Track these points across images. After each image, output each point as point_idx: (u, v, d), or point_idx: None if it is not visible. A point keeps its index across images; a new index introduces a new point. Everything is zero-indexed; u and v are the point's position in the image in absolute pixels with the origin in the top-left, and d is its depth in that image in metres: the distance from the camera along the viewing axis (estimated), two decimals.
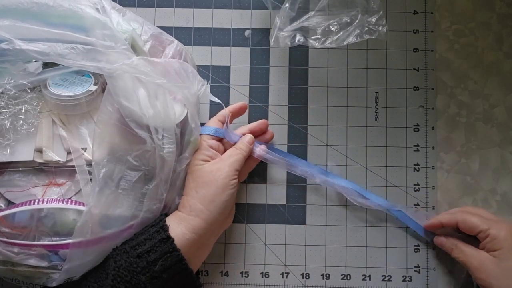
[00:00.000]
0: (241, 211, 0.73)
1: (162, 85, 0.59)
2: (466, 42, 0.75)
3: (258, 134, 0.72)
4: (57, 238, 0.56)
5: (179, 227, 0.60)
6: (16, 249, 0.55)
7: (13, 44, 0.54)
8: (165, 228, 0.59)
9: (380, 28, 0.66)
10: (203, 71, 0.75)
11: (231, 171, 0.64)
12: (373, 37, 0.66)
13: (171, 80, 0.61)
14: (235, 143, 0.68)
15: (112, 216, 0.57)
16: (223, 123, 0.69)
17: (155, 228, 0.59)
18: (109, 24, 0.58)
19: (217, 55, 0.76)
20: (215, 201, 0.62)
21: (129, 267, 0.56)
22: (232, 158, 0.65)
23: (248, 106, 0.73)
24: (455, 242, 0.66)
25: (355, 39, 0.66)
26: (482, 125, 0.74)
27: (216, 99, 0.69)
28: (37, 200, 0.56)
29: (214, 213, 0.62)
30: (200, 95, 0.65)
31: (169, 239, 0.58)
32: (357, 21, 0.66)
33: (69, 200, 0.57)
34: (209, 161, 0.66)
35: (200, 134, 0.67)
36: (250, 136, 0.69)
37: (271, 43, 0.70)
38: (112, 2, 0.63)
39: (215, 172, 0.63)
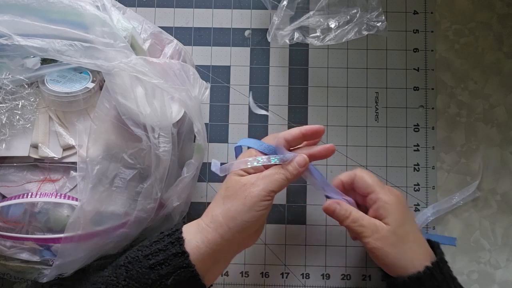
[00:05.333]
0: None
1: (158, 86, 0.58)
2: (466, 42, 0.75)
3: (314, 156, 0.63)
4: (50, 234, 0.56)
5: (195, 239, 0.55)
6: (8, 243, 0.55)
7: (12, 40, 0.54)
8: (180, 241, 0.54)
9: (379, 24, 0.66)
10: (203, 71, 0.75)
11: (265, 190, 0.56)
12: (372, 33, 0.66)
13: (169, 81, 0.60)
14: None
15: (105, 213, 0.57)
16: (286, 141, 0.61)
17: (171, 239, 0.55)
18: (108, 22, 0.58)
19: (217, 55, 0.76)
20: (236, 219, 0.56)
21: (141, 278, 0.53)
22: (272, 177, 0.58)
23: (324, 129, 0.64)
24: (350, 209, 0.61)
25: (354, 36, 0.66)
26: (482, 125, 0.74)
27: (263, 112, 0.67)
28: (30, 194, 0.56)
29: (232, 231, 0.55)
30: (204, 99, 0.65)
31: (184, 254, 0.54)
32: (356, 18, 0.66)
33: (63, 195, 0.57)
34: (249, 174, 0.59)
35: (248, 148, 0.62)
36: (303, 157, 0.59)
37: (269, 41, 0.70)
38: (112, 0, 0.63)
39: (248, 187, 0.57)
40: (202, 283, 0.55)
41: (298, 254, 0.72)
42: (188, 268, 0.53)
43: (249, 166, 0.59)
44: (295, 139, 0.61)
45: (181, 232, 0.56)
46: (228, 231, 0.55)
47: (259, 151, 0.60)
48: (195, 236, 0.55)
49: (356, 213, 0.61)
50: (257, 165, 0.59)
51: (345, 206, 0.61)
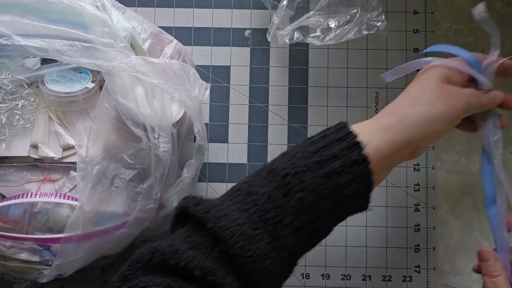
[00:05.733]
0: None
1: (158, 86, 0.58)
2: (466, 42, 0.75)
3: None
4: (50, 234, 0.56)
5: (376, 139, 0.48)
6: (8, 243, 0.55)
7: (12, 40, 0.54)
8: (358, 146, 0.47)
9: (379, 24, 0.66)
10: (203, 71, 0.75)
11: (466, 109, 0.52)
12: (372, 32, 0.66)
13: (169, 81, 0.60)
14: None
15: (105, 213, 0.57)
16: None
17: (345, 143, 0.47)
18: (108, 22, 0.58)
19: (217, 55, 0.76)
20: (432, 125, 0.50)
21: (316, 189, 0.45)
22: (472, 98, 0.53)
23: None
24: (500, 271, 0.55)
25: (354, 36, 0.66)
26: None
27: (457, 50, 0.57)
28: (30, 194, 0.56)
29: (420, 136, 0.50)
30: (204, 100, 0.65)
31: (365, 160, 0.46)
32: (356, 18, 0.66)
33: (62, 195, 0.57)
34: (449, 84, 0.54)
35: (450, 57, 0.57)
36: (501, 94, 0.56)
37: (269, 40, 0.70)
38: (112, 0, 0.63)
39: (451, 97, 0.52)
40: (371, 194, 0.49)
41: None
42: (367, 176, 0.47)
43: (456, 67, 0.54)
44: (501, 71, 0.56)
45: (355, 136, 0.48)
46: (416, 135, 0.50)
47: (464, 62, 0.55)
48: (375, 135, 0.49)
49: (503, 281, 0.54)
50: (466, 72, 0.54)
51: (499, 267, 0.55)
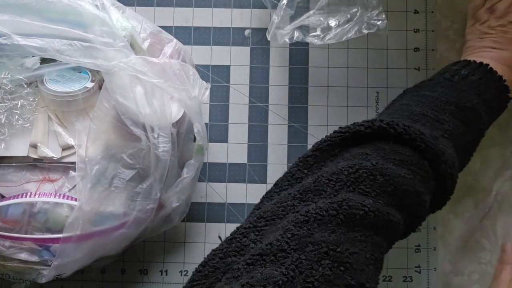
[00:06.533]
0: (241, 211, 0.72)
1: (158, 85, 0.58)
2: None
3: None
4: (49, 234, 0.56)
5: (501, 68, 0.62)
6: (7, 243, 0.55)
7: (11, 39, 0.54)
8: (494, 73, 0.61)
9: (379, 23, 0.66)
10: (203, 70, 0.75)
11: None
12: (372, 31, 0.66)
13: (168, 81, 0.60)
14: None
15: (104, 213, 0.57)
16: None
17: (496, 84, 0.61)
18: (108, 21, 0.58)
19: (217, 55, 0.75)
20: None
21: (488, 115, 0.61)
22: None
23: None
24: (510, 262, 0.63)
25: (355, 35, 0.66)
26: None
27: None
28: (29, 193, 0.56)
29: None
30: (204, 100, 0.65)
31: (501, 79, 0.61)
32: (356, 17, 0.66)
33: (62, 195, 0.57)
34: None
35: None
36: None
37: (269, 39, 0.70)
38: None
39: None
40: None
41: None
42: (507, 93, 0.62)
43: None
44: None
45: (488, 64, 0.61)
46: None
47: None
48: (496, 64, 0.62)
49: (508, 270, 0.61)
50: None
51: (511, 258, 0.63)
